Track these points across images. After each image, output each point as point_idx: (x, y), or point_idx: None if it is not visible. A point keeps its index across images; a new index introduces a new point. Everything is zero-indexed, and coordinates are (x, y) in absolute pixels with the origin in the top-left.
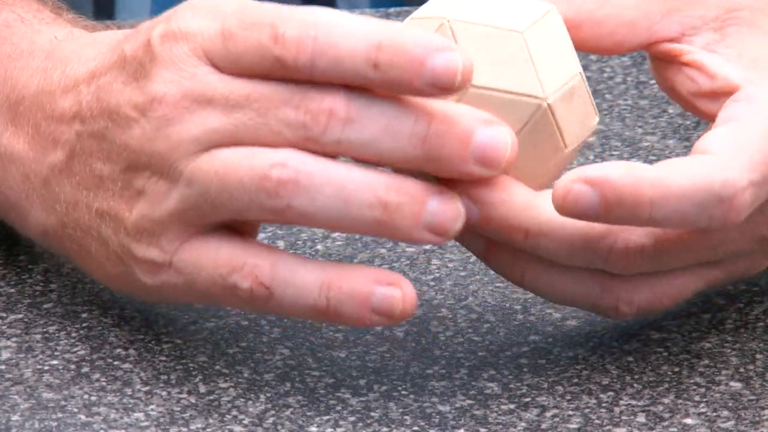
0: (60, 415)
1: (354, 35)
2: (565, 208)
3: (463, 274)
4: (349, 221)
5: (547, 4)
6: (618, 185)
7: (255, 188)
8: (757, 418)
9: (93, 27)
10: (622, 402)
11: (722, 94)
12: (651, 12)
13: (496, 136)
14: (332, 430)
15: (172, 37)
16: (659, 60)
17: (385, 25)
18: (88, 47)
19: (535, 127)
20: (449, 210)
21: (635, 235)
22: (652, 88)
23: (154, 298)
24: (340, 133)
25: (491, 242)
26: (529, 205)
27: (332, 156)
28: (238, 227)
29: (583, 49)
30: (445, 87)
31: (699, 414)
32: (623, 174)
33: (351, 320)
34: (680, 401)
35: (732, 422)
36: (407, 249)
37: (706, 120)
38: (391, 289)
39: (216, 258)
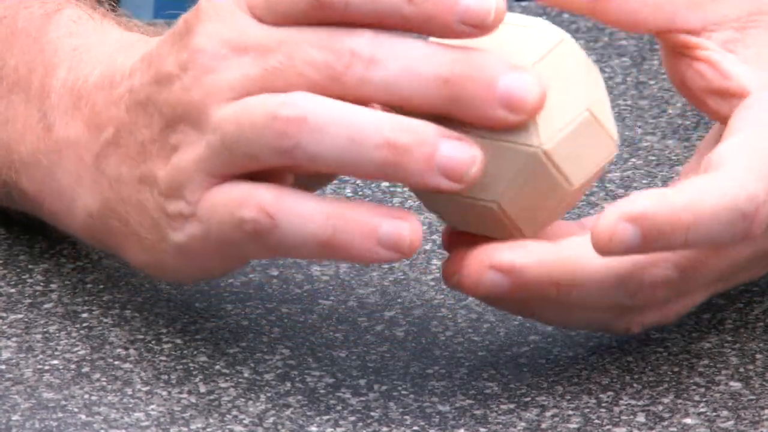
0: (60, 414)
1: None
2: (610, 248)
3: None
4: (356, 163)
5: (559, 33)
6: (656, 218)
7: (265, 128)
8: (757, 418)
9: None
10: (621, 402)
11: (732, 95)
12: (677, 0)
13: (522, 80)
14: (332, 430)
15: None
16: (673, 51)
17: None
18: (148, 45)
19: (534, 174)
20: (463, 152)
21: (661, 268)
22: (651, 88)
23: (182, 267)
24: (364, 72)
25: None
26: (557, 259)
27: (358, 102)
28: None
29: (605, 21)
30: (478, 25)
31: (699, 414)
32: (658, 205)
33: (357, 254)
34: (680, 401)
35: (732, 422)
36: None
37: (710, 117)
38: (398, 222)
39: (228, 198)
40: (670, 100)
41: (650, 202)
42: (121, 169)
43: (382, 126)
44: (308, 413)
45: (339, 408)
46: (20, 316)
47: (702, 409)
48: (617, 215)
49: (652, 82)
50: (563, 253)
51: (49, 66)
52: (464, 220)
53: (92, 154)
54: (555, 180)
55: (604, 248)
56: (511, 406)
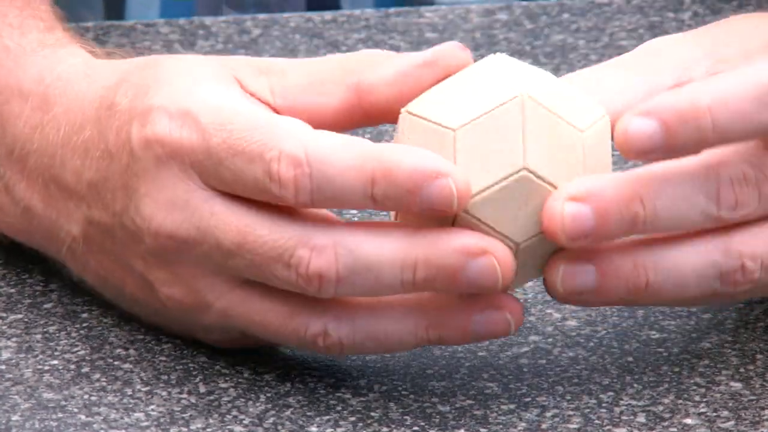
0: (60, 415)
1: (347, 170)
2: (629, 144)
3: None
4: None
5: (511, 93)
6: (675, 105)
7: (303, 345)
8: (757, 418)
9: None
10: (622, 402)
11: None
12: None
13: (484, 268)
14: (332, 430)
15: (153, 146)
16: None
17: (378, 152)
18: (73, 111)
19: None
20: (496, 320)
21: (732, 166)
22: None
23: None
24: (335, 290)
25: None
26: (632, 174)
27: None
28: None
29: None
30: (442, 211)
31: (699, 414)
32: (677, 95)
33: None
34: (680, 401)
35: (732, 422)
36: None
37: None
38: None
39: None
40: None
41: (669, 96)
42: (98, 269)
43: (417, 331)
44: (308, 413)
45: (339, 408)
46: (20, 316)
47: (702, 410)
48: (633, 111)
49: None
50: (635, 171)
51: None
52: None
53: (61, 240)
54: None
55: (625, 149)
56: (512, 406)
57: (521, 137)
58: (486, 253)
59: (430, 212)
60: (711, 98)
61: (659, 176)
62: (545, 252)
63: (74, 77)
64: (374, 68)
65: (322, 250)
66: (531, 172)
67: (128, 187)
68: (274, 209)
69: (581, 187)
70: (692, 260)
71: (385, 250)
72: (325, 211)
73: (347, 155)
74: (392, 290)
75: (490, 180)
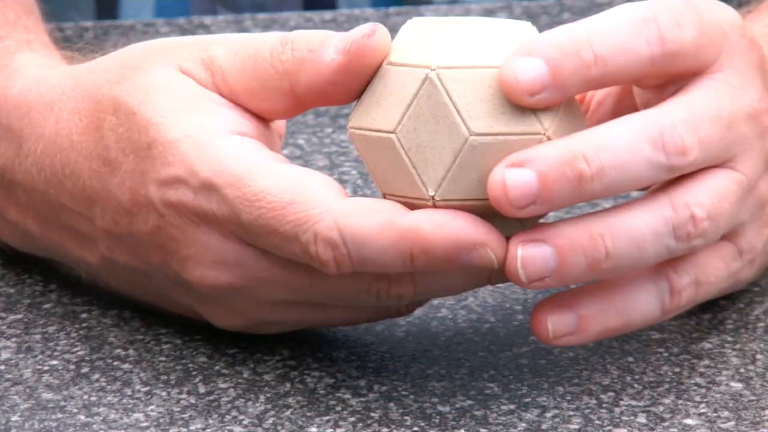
0: (60, 415)
1: (385, 251)
2: (520, 87)
3: None
4: None
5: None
6: (555, 40)
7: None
8: (758, 419)
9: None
10: (622, 402)
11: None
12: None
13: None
14: (332, 430)
15: (184, 213)
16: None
17: (414, 230)
18: (53, 152)
19: (427, 102)
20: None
21: (670, 112)
22: None
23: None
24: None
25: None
26: (573, 136)
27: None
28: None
29: None
30: (483, 270)
31: (699, 414)
32: (555, 31)
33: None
34: (681, 402)
35: (732, 423)
36: None
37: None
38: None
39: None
40: None
41: (547, 34)
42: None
43: None
44: (308, 413)
45: (339, 408)
46: (20, 316)
47: (703, 410)
48: (516, 54)
49: None
50: (575, 133)
51: None
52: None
53: (73, 262)
54: (451, 117)
55: (517, 92)
56: (512, 406)
57: (453, 110)
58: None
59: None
60: (588, 32)
61: (600, 131)
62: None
63: (33, 106)
64: (304, 71)
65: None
66: (478, 135)
67: (164, 247)
68: None
69: (520, 155)
70: (644, 219)
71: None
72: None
73: (382, 235)
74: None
75: (446, 164)
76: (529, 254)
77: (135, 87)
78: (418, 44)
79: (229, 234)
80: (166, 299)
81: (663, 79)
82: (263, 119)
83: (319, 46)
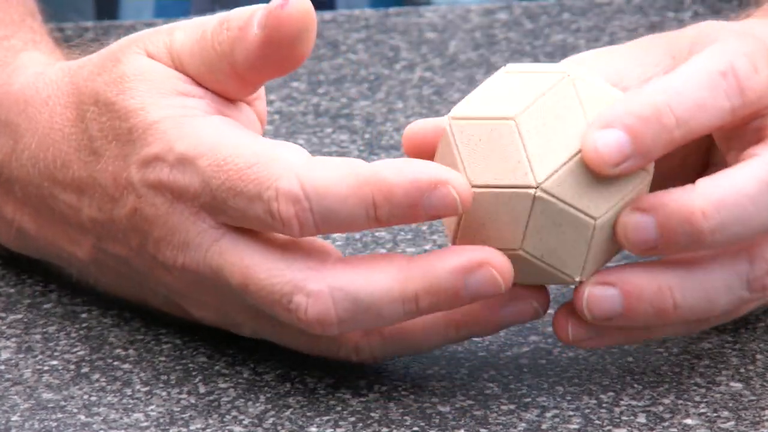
0: (60, 415)
1: (347, 199)
2: (603, 159)
3: None
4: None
5: (560, 73)
6: (635, 109)
7: (338, 358)
8: (758, 419)
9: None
10: (622, 402)
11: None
12: None
13: (484, 279)
14: (332, 430)
15: (160, 191)
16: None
17: (373, 175)
18: (47, 146)
19: (543, 215)
20: (522, 310)
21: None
22: None
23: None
24: (338, 329)
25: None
26: (687, 189)
27: None
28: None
29: None
30: (448, 215)
31: (699, 414)
32: (633, 99)
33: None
34: (680, 402)
35: (732, 422)
36: (407, 249)
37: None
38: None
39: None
40: None
41: (624, 101)
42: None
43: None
44: (308, 413)
45: (339, 408)
46: (20, 316)
47: (702, 410)
48: (595, 126)
49: None
50: (699, 185)
51: None
52: (525, 274)
53: (62, 259)
54: (569, 216)
55: (598, 164)
56: (512, 406)
57: (581, 111)
58: (482, 266)
59: (438, 218)
60: (667, 95)
61: (722, 183)
62: None
63: (31, 102)
64: (237, 49)
65: (318, 296)
66: (600, 216)
67: (139, 229)
68: (276, 246)
69: (643, 201)
70: (718, 274)
71: (381, 287)
72: (320, 242)
73: (343, 184)
74: (397, 321)
75: (562, 158)
76: (595, 295)
77: (111, 78)
78: (501, 154)
79: (201, 213)
80: (149, 292)
81: (744, 122)
82: (231, 100)
83: (246, 23)
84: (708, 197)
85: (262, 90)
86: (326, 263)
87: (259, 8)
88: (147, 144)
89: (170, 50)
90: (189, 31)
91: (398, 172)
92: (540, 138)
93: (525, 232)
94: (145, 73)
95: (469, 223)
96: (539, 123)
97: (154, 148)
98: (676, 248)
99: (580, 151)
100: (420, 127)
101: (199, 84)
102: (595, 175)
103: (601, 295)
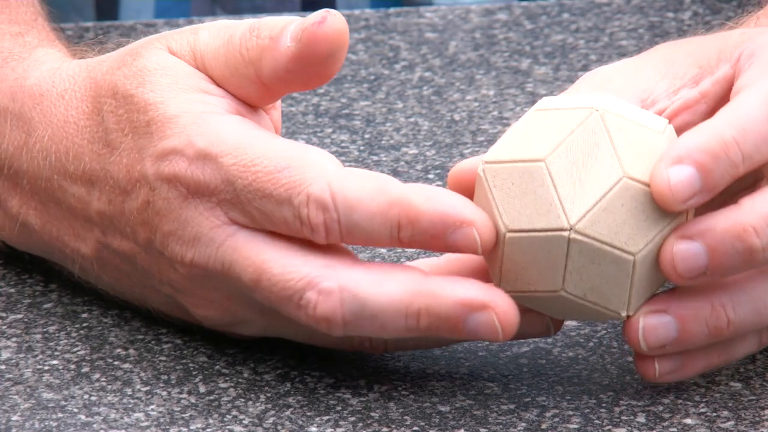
0: (60, 415)
1: (374, 216)
2: (675, 198)
3: None
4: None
5: (590, 107)
6: (705, 145)
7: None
8: (757, 418)
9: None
10: (622, 402)
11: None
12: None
13: (484, 323)
14: (332, 430)
15: (175, 185)
16: None
17: (404, 198)
18: (60, 138)
19: (580, 256)
20: (486, 322)
21: None
22: None
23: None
24: (343, 331)
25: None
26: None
27: None
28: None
29: None
30: (467, 252)
31: (699, 414)
32: (701, 134)
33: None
34: (680, 401)
35: (732, 422)
36: (407, 249)
37: None
38: (484, 315)
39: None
40: None
41: (694, 136)
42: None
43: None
44: (308, 413)
45: (339, 408)
46: (20, 316)
47: (702, 410)
48: (666, 162)
49: None
50: (744, 205)
51: None
52: (554, 312)
53: (65, 257)
54: (605, 254)
55: (670, 201)
56: (512, 406)
57: (611, 147)
58: (486, 308)
59: (458, 253)
60: (735, 129)
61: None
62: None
63: (46, 95)
64: (265, 58)
65: (329, 294)
66: (631, 178)
67: (149, 223)
68: (293, 243)
69: (690, 228)
70: (764, 285)
71: (390, 297)
72: (337, 244)
73: (374, 201)
74: (397, 333)
75: (594, 197)
76: (651, 324)
77: (131, 71)
78: (534, 197)
79: (216, 210)
80: (151, 291)
81: None
82: (250, 105)
83: (278, 34)
84: (757, 213)
85: (278, 105)
86: (341, 264)
87: (293, 21)
88: (165, 137)
89: (193, 49)
90: (215, 33)
91: (427, 201)
92: (570, 178)
93: (564, 273)
94: (166, 68)
95: (510, 266)
96: (569, 162)
97: (172, 142)
98: (727, 270)
99: (612, 188)
100: (465, 167)
101: (220, 86)
102: (630, 210)
103: (656, 323)
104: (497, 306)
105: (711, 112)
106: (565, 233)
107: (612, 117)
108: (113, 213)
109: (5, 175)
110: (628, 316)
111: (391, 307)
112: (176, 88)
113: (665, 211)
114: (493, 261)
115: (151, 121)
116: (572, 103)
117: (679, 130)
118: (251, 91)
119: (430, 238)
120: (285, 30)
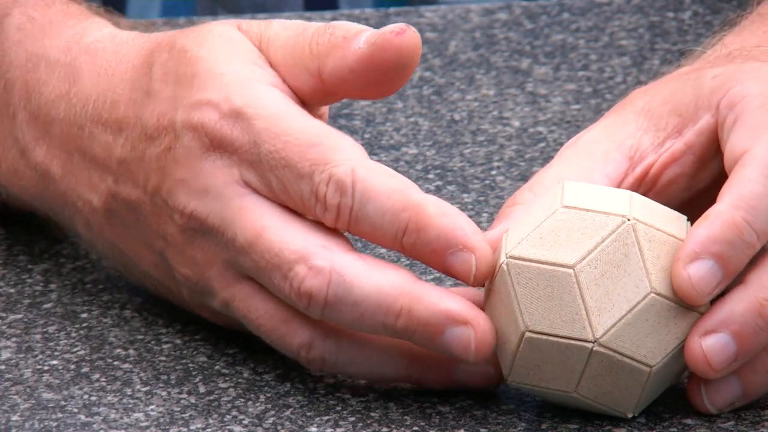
0: (60, 415)
1: (385, 213)
2: (696, 291)
3: None
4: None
5: (620, 216)
6: (717, 233)
7: (288, 352)
8: (757, 418)
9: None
10: None
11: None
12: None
13: (460, 337)
14: (332, 430)
15: (200, 134)
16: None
17: (421, 204)
18: (102, 87)
19: (599, 366)
20: (478, 372)
21: None
22: None
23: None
24: (321, 312)
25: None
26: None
27: None
28: None
29: None
30: (459, 278)
31: (699, 414)
32: (712, 223)
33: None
34: (680, 401)
35: (732, 422)
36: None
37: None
38: (462, 329)
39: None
40: None
41: (706, 226)
42: (115, 241)
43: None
44: (308, 413)
45: (339, 408)
46: (20, 316)
47: None
48: (684, 261)
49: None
50: (755, 281)
51: (7, 83)
52: (558, 402)
53: (76, 207)
54: (627, 368)
55: (695, 298)
56: (511, 406)
57: (641, 261)
58: (467, 324)
59: (452, 277)
60: (744, 211)
61: None
62: (674, 368)
63: (101, 52)
64: (332, 55)
65: (319, 271)
66: (658, 294)
67: (164, 169)
68: (295, 218)
69: (710, 321)
70: None
71: (377, 288)
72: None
73: (390, 198)
74: (372, 329)
75: (621, 311)
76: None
77: (194, 33)
78: (560, 303)
79: (233, 168)
80: (145, 249)
81: None
82: (299, 98)
83: (353, 36)
84: (767, 287)
85: (326, 112)
86: (338, 247)
87: (370, 28)
88: (204, 90)
89: (261, 33)
90: (288, 25)
91: (441, 215)
92: (599, 289)
93: (580, 379)
94: (230, 38)
95: (524, 363)
96: (598, 273)
97: (210, 95)
98: (754, 349)
99: (639, 303)
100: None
101: (277, 71)
102: (653, 324)
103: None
104: (478, 325)
105: (698, 162)
106: (589, 345)
107: (643, 228)
108: (132, 159)
109: (40, 122)
110: (633, 416)
111: (376, 298)
112: (232, 53)
113: (684, 320)
114: (504, 353)
115: (196, 74)
116: (602, 204)
117: (669, 183)
118: (307, 83)
119: (430, 252)
120: (361, 33)
